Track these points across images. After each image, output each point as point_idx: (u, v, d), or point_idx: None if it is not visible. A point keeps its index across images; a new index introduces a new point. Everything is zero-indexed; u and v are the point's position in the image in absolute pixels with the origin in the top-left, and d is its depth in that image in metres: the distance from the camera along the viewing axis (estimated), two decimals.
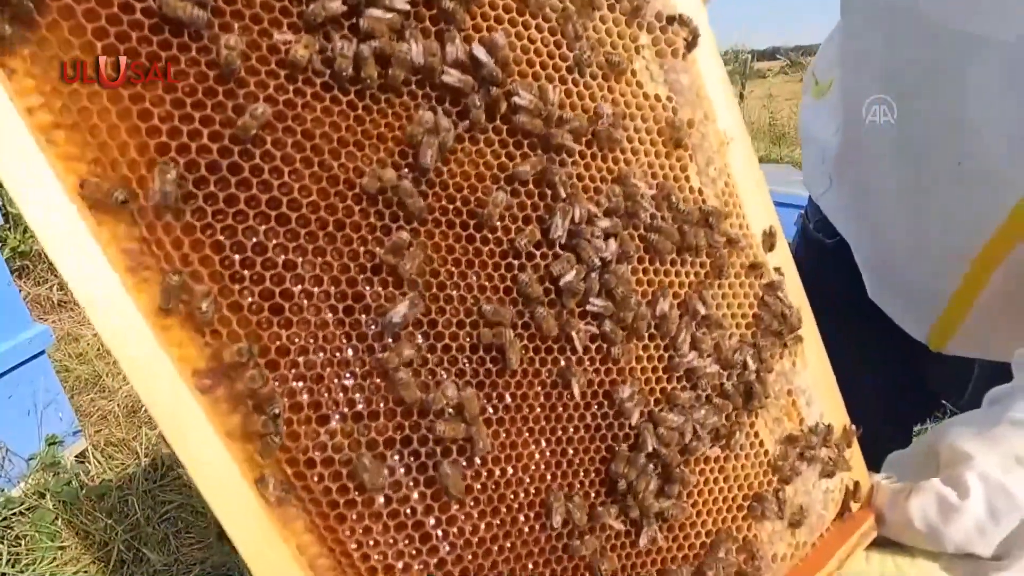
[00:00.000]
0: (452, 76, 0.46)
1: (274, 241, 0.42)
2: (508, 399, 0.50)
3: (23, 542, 1.78)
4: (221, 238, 0.40)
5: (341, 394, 0.44)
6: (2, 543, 1.75)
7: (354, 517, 0.44)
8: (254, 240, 0.41)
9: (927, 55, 0.65)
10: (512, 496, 0.49)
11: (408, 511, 0.45)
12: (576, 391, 0.51)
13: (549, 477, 0.51)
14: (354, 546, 0.44)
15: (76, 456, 2.11)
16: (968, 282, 0.72)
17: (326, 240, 0.43)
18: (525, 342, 0.50)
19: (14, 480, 1.93)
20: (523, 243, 0.50)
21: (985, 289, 0.72)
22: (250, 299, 0.41)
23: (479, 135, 0.49)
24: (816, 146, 0.91)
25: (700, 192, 0.59)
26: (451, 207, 0.48)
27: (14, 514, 1.84)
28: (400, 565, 0.45)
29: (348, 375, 0.44)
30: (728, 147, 0.60)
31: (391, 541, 0.45)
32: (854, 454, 0.69)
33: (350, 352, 0.44)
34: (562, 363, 0.52)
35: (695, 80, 0.58)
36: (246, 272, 0.41)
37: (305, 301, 0.43)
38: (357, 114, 0.44)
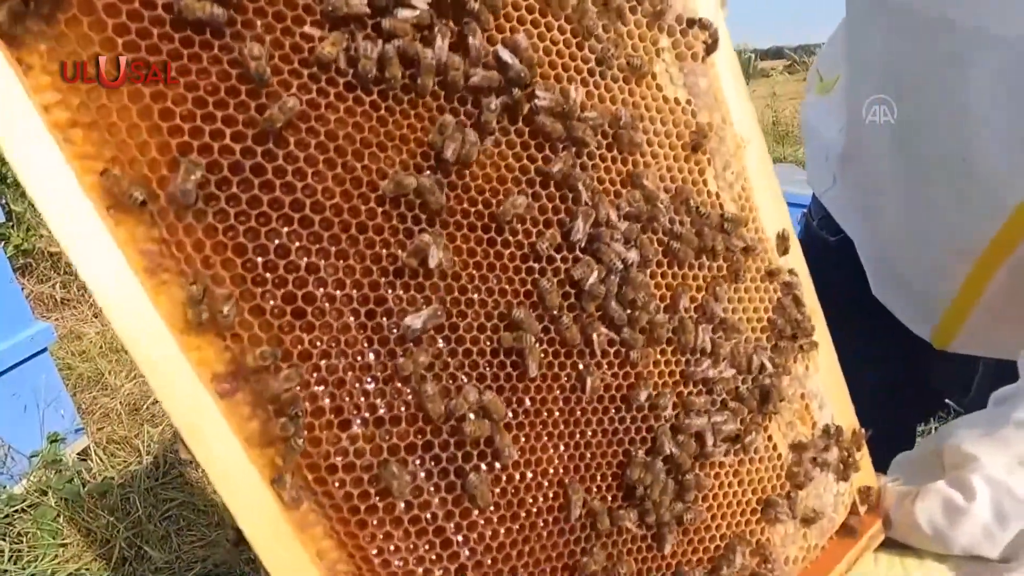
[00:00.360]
0: (478, 75, 0.46)
1: (297, 243, 0.41)
2: (528, 403, 0.49)
3: (25, 539, 1.78)
4: (243, 240, 0.40)
5: (363, 399, 0.43)
6: (4, 540, 1.75)
7: (375, 523, 0.43)
8: (276, 242, 0.40)
9: (930, 52, 0.65)
10: (531, 500, 0.49)
11: (429, 516, 0.45)
12: (588, 390, 0.51)
13: (567, 481, 0.51)
14: (375, 552, 0.43)
15: (78, 454, 2.12)
16: (972, 280, 0.72)
17: (348, 243, 0.43)
18: (545, 346, 0.50)
19: (16, 477, 1.93)
20: (544, 246, 0.49)
21: (989, 287, 0.71)
22: (272, 302, 0.40)
23: (501, 137, 0.48)
24: (820, 143, 0.91)
25: (717, 196, 0.59)
26: (472, 210, 0.47)
27: (16, 511, 1.84)
28: (420, 571, 0.45)
29: (370, 380, 0.43)
30: (744, 150, 0.60)
31: (412, 547, 0.44)
32: (863, 457, 0.70)
33: (372, 357, 0.44)
34: (580, 366, 0.51)
35: (713, 83, 0.58)
36: (268, 275, 0.40)
37: (327, 304, 0.42)
38: (380, 114, 0.44)
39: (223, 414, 0.40)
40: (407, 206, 0.44)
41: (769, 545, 0.61)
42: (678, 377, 0.56)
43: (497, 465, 0.47)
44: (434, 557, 0.45)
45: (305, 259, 0.41)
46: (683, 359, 0.56)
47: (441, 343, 0.46)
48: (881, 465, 0.71)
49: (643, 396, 0.54)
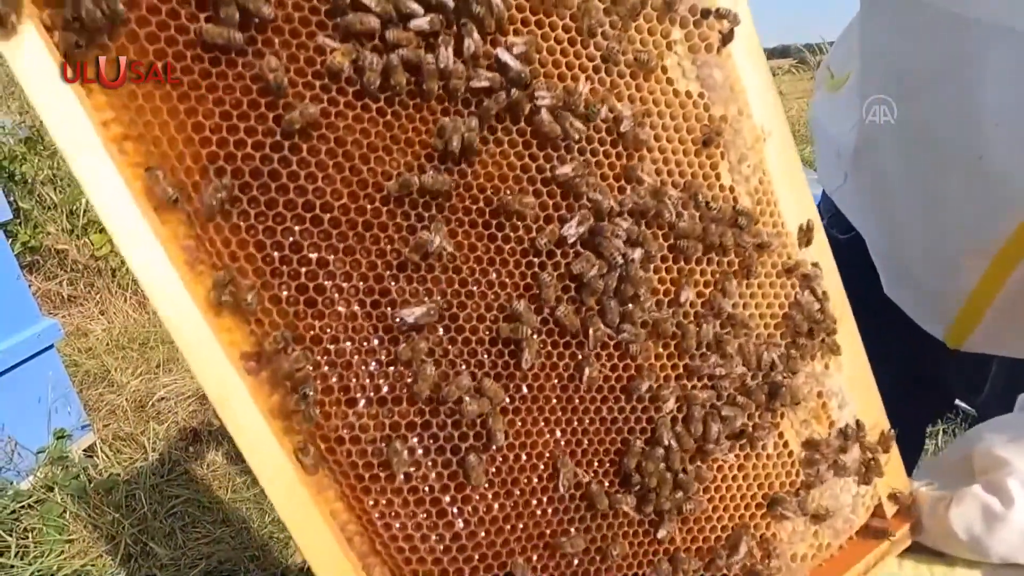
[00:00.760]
0: (480, 78, 0.48)
1: (309, 240, 0.46)
2: (525, 390, 0.52)
3: (31, 535, 1.78)
4: (262, 237, 0.45)
5: (368, 380, 0.48)
6: (11, 536, 1.75)
7: (377, 490, 0.48)
8: (291, 239, 0.45)
9: (943, 46, 0.63)
10: (526, 480, 0.53)
11: (427, 488, 0.50)
12: (586, 380, 0.53)
13: (557, 455, 0.54)
14: (377, 515, 0.49)
15: (84, 450, 2.13)
16: (988, 278, 0.70)
17: (355, 239, 0.47)
18: (544, 337, 0.52)
19: (23, 473, 1.94)
20: (543, 242, 0.51)
21: (1005, 286, 0.70)
22: (287, 292, 0.46)
23: (503, 136, 0.50)
24: (830, 141, 0.90)
25: (732, 190, 0.58)
26: (474, 207, 0.50)
27: (22, 507, 1.84)
28: (418, 536, 0.49)
29: (374, 363, 0.48)
30: (764, 142, 0.59)
31: (411, 514, 0.49)
32: (892, 459, 0.67)
33: (376, 342, 0.48)
34: (579, 357, 0.54)
35: (729, 74, 0.56)
36: (284, 268, 0.46)
37: (336, 295, 0.47)
38: (386, 120, 0.47)
39: (249, 389, 0.46)
40: (411, 204, 0.48)
41: (775, 540, 0.61)
42: (681, 371, 0.57)
43: (492, 447, 0.50)
44: (431, 525, 0.50)
45: (316, 254, 0.46)
46: (688, 353, 0.56)
47: (441, 331, 0.50)
48: None
49: (644, 387, 0.55)
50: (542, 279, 0.51)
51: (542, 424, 0.53)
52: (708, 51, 0.56)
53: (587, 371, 0.53)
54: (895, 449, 0.68)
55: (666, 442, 0.55)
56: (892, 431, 0.67)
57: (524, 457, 0.53)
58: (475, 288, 0.51)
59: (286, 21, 0.45)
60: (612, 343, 0.54)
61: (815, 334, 0.61)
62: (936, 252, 0.76)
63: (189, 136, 0.44)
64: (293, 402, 0.46)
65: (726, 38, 0.55)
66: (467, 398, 0.49)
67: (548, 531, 0.54)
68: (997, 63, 0.58)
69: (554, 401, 0.54)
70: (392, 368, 0.48)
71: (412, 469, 0.49)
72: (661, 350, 0.56)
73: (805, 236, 0.61)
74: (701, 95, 0.56)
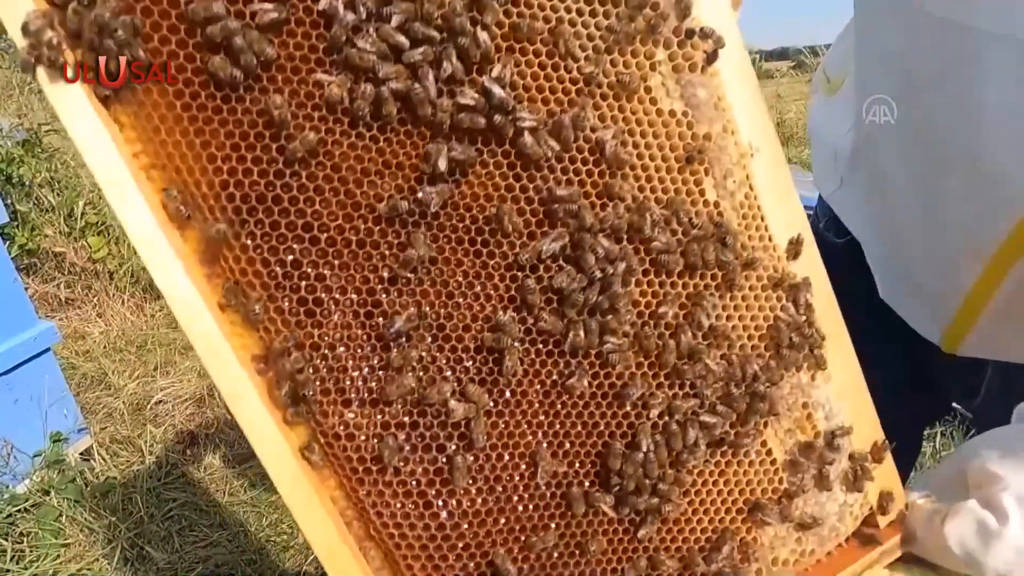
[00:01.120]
0: (466, 96, 0.51)
1: (308, 258, 0.51)
2: (508, 395, 0.56)
3: (27, 539, 1.77)
4: (267, 255, 0.51)
5: (362, 383, 0.53)
6: (6, 540, 1.74)
7: (370, 482, 0.54)
8: (291, 257, 0.51)
9: (938, 51, 0.62)
10: (507, 479, 0.57)
11: (414, 482, 0.55)
12: (569, 387, 0.56)
13: (535, 449, 0.57)
14: (370, 504, 0.54)
15: (81, 453, 2.12)
16: (985, 280, 0.70)
17: (350, 256, 0.52)
18: (527, 346, 0.56)
19: (19, 477, 1.92)
20: (525, 257, 0.55)
21: (1000, 290, 0.69)
22: (288, 304, 0.51)
23: (488, 159, 0.54)
24: (827, 144, 0.89)
25: (717, 205, 0.59)
26: (460, 225, 0.54)
27: (18, 511, 1.83)
28: (407, 524, 0.55)
29: (367, 367, 0.53)
30: (751, 158, 0.60)
31: (400, 504, 0.54)
32: (885, 470, 0.68)
33: (369, 349, 0.53)
34: (561, 365, 0.57)
35: (714, 92, 0.58)
36: (287, 283, 0.51)
37: (333, 306, 0.52)
38: (379, 146, 0.52)
39: (257, 387, 0.52)
40: (400, 224, 0.53)
41: (755, 544, 0.63)
42: (663, 380, 0.59)
43: (474, 447, 0.54)
44: (418, 515, 0.55)
45: (314, 270, 0.51)
46: (669, 365, 0.59)
47: (430, 340, 0.54)
48: None
49: (635, 394, 0.58)
50: (526, 286, 0.55)
51: (524, 427, 0.57)
52: (692, 70, 0.57)
53: (574, 380, 0.56)
54: (890, 460, 0.68)
55: (645, 447, 0.58)
56: (886, 442, 0.67)
57: (507, 456, 0.57)
58: (462, 300, 0.55)
59: (288, 60, 0.50)
60: (594, 352, 0.57)
61: (800, 346, 0.62)
62: (934, 253, 0.75)
63: (204, 166, 0.50)
64: (296, 403, 0.51)
65: (710, 58, 0.57)
66: (452, 401, 0.54)
67: (529, 526, 0.58)
68: (991, 68, 0.58)
69: (537, 405, 0.57)
70: (383, 373, 0.53)
71: (401, 464, 0.54)
72: (643, 359, 0.59)
73: (793, 249, 0.62)
74: (685, 114, 0.57)
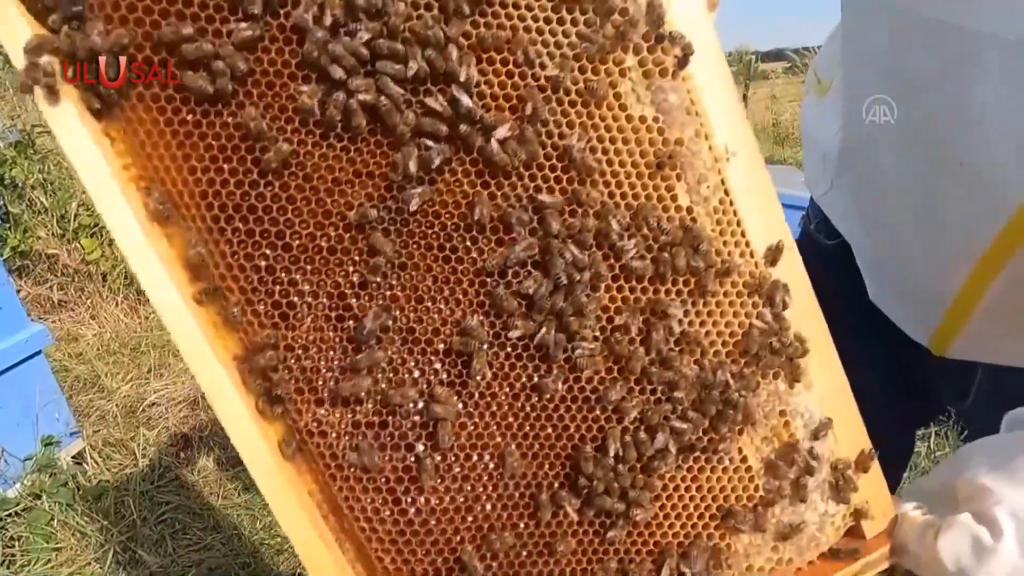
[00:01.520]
0: (436, 100, 0.53)
1: (281, 264, 0.54)
2: (477, 396, 0.58)
3: (18, 543, 1.75)
4: (243, 261, 0.53)
5: (333, 383, 0.56)
6: None
7: (341, 477, 0.56)
8: (265, 263, 0.53)
9: (928, 53, 0.61)
10: (476, 478, 0.58)
11: (383, 479, 0.57)
12: (540, 390, 0.57)
13: (503, 446, 0.58)
14: (343, 497, 0.57)
15: (73, 457, 2.10)
16: (974, 280, 0.68)
17: (321, 262, 0.54)
18: (496, 350, 0.57)
19: (10, 481, 1.90)
20: (492, 263, 0.56)
21: (989, 292, 0.68)
22: (264, 307, 0.54)
23: (457, 167, 0.55)
24: (817, 146, 0.88)
25: (689, 211, 0.59)
26: (430, 232, 0.56)
27: (9, 515, 1.81)
28: (376, 519, 0.57)
29: (339, 369, 0.56)
30: (727, 163, 0.59)
31: (370, 499, 0.57)
32: (872, 479, 0.66)
33: (340, 351, 0.55)
34: (530, 369, 0.58)
35: (686, 97, 0.57)
36: (262, 287, 0.54)
37: (306, 310, 0.55)
38: (349, 156, 0.54)
39: (235, 384, 0.55)
40: (371, 231, 0.55)
41: (728, 551, 0.63)
42: (632, 385, 0.60)
43: (439, 448, 0.56)
44: (388, 511, 0.57)
45: (287, 275, 0.54)
46: (637, 369, 0.59)
47: (399, 343, 0.56)
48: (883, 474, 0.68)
49: (614, 396, 0.58)
50: (496, 294, 0.56)
51: (493, 428, 0.59)
52: (664, 75, 0.57)
53: (549, 383, 0.57)
54: (877, 469, 0.67)
55: (613, 451, 0.59)
56: (873, 451, 0.66)
57: (475, 457, 0.58)
58: (431, 304, 0.57)
59: (262, 75, 0.52)
60: (562, 357, 0.58)
61: (778, 353, 0.61)
62: (923, 255, 0.74)
63: (185, 177, 0.53)
64: (272, 402, 0.54)
65: (681, 63, 0.56)
66: (422, 402, 0.56)
67: (498, 524, 0.59)
68: (980, 70, 0.57)
69: (506, 407, 0.59)
70: (349, 373, 0.56)
71: (371, 461, 0.56)
72: (612, 364, 0.59)
73: (772, 255, 0.61)
74: (656, 119, 0.57)
